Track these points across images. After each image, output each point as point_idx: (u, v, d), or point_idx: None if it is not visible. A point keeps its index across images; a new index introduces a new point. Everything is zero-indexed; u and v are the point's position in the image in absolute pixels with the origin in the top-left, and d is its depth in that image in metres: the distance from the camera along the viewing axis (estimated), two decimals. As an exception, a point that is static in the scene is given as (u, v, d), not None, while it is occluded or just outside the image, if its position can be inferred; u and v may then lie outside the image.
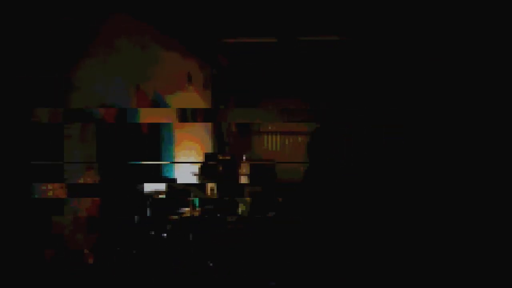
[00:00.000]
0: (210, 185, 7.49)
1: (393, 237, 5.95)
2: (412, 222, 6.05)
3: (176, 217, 6.35)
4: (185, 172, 7.95)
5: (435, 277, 4.73)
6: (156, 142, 6.84)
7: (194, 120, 6.34)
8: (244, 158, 9.17)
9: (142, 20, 6.32)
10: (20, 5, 4.32)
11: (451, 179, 5.83)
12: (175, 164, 7.61)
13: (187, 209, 6.70)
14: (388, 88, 9.51)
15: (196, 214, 6.76)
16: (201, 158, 8.61)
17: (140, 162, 6.20)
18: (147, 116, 5.85)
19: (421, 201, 6.21)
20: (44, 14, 4.40)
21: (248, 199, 7.78)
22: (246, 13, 7.15)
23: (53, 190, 4.86)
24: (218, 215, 6.86)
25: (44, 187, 4.70)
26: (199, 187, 7.77)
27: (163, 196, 6.80)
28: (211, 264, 5.36)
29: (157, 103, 6.87)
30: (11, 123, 4.33)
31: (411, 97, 7.58)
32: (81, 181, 4.86)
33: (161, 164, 7.06)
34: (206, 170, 8.08)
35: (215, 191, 7.25)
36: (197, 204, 7.55)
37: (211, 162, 8.22)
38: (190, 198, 6.93)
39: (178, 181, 6.81)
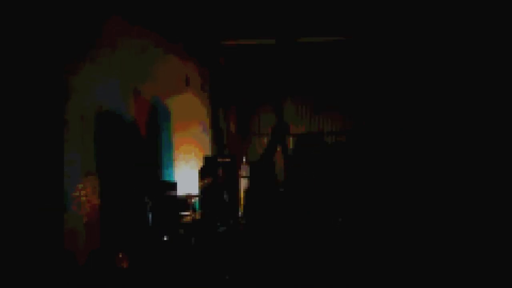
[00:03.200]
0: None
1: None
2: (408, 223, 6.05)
3: (177, 221, 6.32)
4: (185, 176, 7.92)
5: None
6: (155, 145, 6.81)
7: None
8: (244, 159, 9.13)
9: (140, 24, 6.29)
10: (19, 8, 4.29)
11: (449, 180, 5.83)
12: (175, 167, 7.57)
13: (188, 212, 6.67)
14: (388, 88, 9.50)
15: (197, 217, 6.73)
16: (200, 161, 8.58)
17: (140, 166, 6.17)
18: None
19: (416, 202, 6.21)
20: (42, 17, 4.37)
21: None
22: (244, 15, 7.14)
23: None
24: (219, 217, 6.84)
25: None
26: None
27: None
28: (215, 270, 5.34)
29: (156, 106, 6.84)
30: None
31: (410, 97, 7.58)
32: (81, 186, 4.82)
33: (161, 167, 7.02)
34: (206, 173, 8.04)
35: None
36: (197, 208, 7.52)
37: (210, 165, 8.18)
38: (192, 201, 6.90)
39: (179, 185, 6.77)
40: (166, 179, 7.01)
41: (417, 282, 4.56)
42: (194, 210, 7.02)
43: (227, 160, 8.57)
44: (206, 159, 8.43)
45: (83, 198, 4.82)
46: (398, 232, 5.95)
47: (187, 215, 6.63)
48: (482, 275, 4.46)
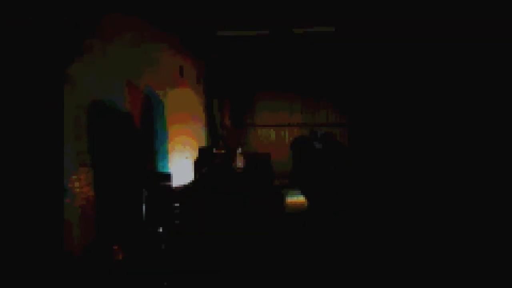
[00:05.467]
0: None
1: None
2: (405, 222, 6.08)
3: (172, 212, 6.35)
4: (180, 167, 7.94)
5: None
6: (150, 137, 6.81)
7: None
8: (239, 150, 9.15)
9: (135, 15, 6.26)
10: (17, 5, 4.26)
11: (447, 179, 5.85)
12: (170, 158, 7.59)
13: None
14: (382, 82, 9.49)
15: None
16: (195, 153, 8.60)
17: (134, 157, 6.17)
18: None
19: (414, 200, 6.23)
20: (40, 12, 4.34)
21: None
22: (238, 6, 7.11)
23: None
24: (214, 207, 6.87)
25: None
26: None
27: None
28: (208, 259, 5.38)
29: (149, 97, 6.84)
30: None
31: (406, 93, 7.58)
32: (75, 177, 4.83)
33: (156, 159, 7.03)
34: (201, 164, 8.07)
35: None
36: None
37: (205, 156, 8.21)
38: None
39: (174, 176, 6.79)
40: (161, 170, 7.03)
41: (417, 282, 4.58)
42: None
43: (222, 151, 8.60)
44: (201, 151, 8.46)
45: (77, 190, 4.83)
46: (397, 229, 5.99)
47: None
48: (482, 275, 4.47)
